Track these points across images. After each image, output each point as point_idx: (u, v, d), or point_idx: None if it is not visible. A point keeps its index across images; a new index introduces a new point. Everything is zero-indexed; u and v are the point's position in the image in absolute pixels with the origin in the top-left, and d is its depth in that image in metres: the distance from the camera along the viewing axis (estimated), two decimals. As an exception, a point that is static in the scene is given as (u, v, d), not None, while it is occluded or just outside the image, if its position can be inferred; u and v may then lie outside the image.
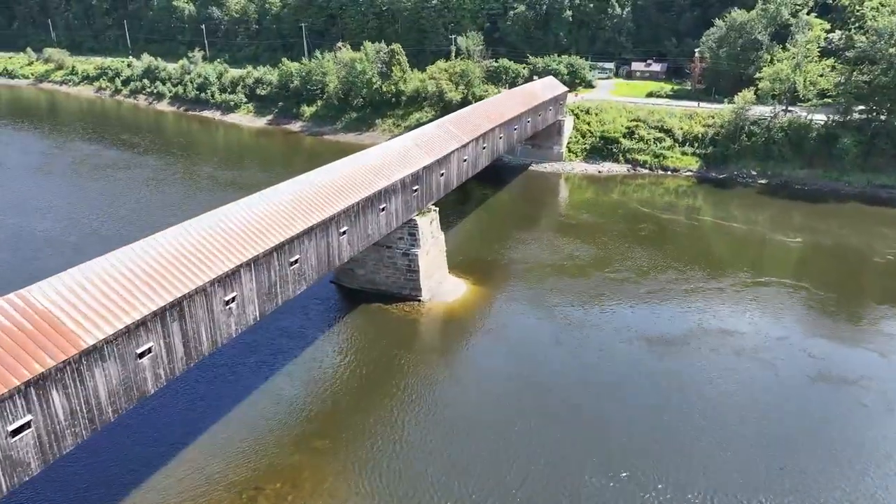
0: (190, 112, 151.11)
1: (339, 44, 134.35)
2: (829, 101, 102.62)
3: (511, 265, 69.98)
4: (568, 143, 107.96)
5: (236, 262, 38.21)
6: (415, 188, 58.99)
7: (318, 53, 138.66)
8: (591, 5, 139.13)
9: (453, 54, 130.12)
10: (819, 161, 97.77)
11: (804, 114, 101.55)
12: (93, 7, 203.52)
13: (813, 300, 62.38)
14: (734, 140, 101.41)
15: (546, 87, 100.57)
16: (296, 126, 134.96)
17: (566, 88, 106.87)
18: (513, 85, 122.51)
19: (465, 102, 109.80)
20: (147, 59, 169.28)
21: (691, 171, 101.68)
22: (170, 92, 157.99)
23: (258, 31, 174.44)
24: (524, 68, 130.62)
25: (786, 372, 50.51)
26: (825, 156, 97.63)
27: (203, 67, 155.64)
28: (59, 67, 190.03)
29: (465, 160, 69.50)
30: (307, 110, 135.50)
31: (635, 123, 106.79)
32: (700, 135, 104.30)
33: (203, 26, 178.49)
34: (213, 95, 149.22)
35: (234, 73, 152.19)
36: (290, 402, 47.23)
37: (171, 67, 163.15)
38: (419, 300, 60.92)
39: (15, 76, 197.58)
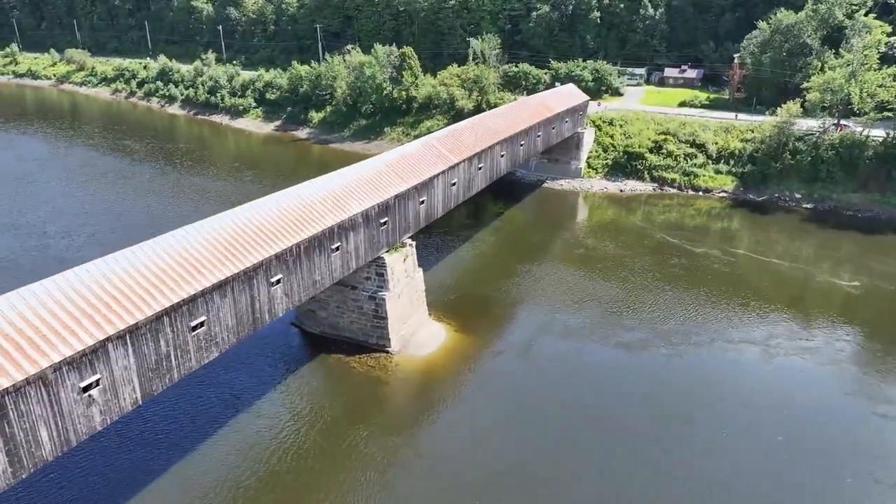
0: (199, 116, 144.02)
1: (349, 46, 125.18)
2: (890, 114, 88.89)
3: (509, 306, 59.41)
4: (588, 158, 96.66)
5: (99, 335, 28.85)
6: (383, 220, 49.02)
7: (327, 56, 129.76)
8: (622, 6, 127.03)
9: (470, 58, 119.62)
10: (875, 184, 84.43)
11: (859, 129, 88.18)
12: (116, 8, 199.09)
13: (878, 368, 50.38)
14: (776, 158, 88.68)
15: (563, 97, 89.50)
16: (303, 133, 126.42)
17: (587, 97, 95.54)
18: (532, 92, 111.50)
19: (478, 110, 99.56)
20: (162, 60, 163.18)
21: (726, 191, 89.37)
22: (182, 95, 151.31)
23: (275, 32, 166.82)
24: (546, 74, 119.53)
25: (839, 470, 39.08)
26: (883, 178, 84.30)
27: (214, 70, 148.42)
28: (80, 68, 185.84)
29: (453, 184, 59.21)
30: (315, 116, 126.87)
31: (664, 137, 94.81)
32: (737, 151, 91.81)
33: (220, 27, 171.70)
34: (222, 99, 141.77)
35: (246, 75, 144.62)
36: (203, 492, 37.73)
37: (185, 69, 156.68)
38: (387, 351, 50.95)
39: (38, 77, 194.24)
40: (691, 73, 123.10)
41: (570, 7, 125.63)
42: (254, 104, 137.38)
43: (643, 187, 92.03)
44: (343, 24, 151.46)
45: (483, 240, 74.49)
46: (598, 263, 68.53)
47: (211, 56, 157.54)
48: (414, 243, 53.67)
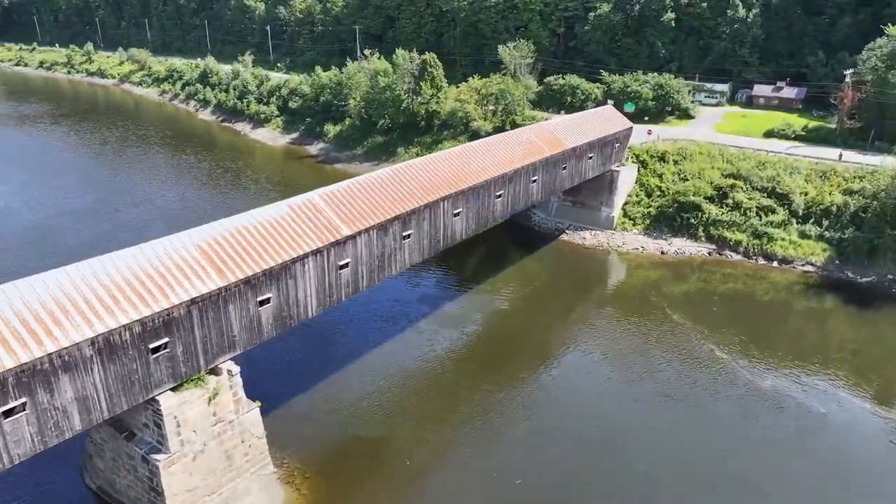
0: (225, 123, 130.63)
1: (367, 51, 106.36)
2: None
3: (438, 464, 38.27)
4: (625, 205, 72.36)
5: None
6: (157, 345, 29.60)
7: (348, 62, 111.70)
8: (704, 4, 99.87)
9: (510, 69, 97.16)
10: None
11: None
12: (182, 7, 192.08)
13: None
14: (894, 222, 60.91)
15: (592, 123, 65.88)
16: (315, 148, 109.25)
17: (628, 125, 71.10)
18: (579, 110, 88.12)
19: (500, 132, 77.81)
20: (206, 61, 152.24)
21: (813, 264, 62.42)
22: (215, 99, 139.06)
23: (322, 33, 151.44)
24: (597, 88, 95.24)
25: None
26: None
27: (245, 74, 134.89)
28: (141, 68, 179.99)
29: (343, 266, 38.51)
30: (331, 130, 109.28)
31: (731, 182, 68.76)
32: (835, 207, 64.40)
33: (268, 27, 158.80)
34: (248, 106, 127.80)
35: (277, 80, 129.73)
36: None
37: (225, 72, 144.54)
38: (169, 547, 31.48)
39: (106, 75, 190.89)
40: (789, 92, 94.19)
41: (637, 6, 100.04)
42: (276, 113, 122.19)
43: (695, 249, 66.66)
44: (384, 25, 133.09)
45: (446, 330, 53.04)
46: (623, 399, 45.31)
47: (248, 58, 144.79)
48: (238, 370, 33.67)
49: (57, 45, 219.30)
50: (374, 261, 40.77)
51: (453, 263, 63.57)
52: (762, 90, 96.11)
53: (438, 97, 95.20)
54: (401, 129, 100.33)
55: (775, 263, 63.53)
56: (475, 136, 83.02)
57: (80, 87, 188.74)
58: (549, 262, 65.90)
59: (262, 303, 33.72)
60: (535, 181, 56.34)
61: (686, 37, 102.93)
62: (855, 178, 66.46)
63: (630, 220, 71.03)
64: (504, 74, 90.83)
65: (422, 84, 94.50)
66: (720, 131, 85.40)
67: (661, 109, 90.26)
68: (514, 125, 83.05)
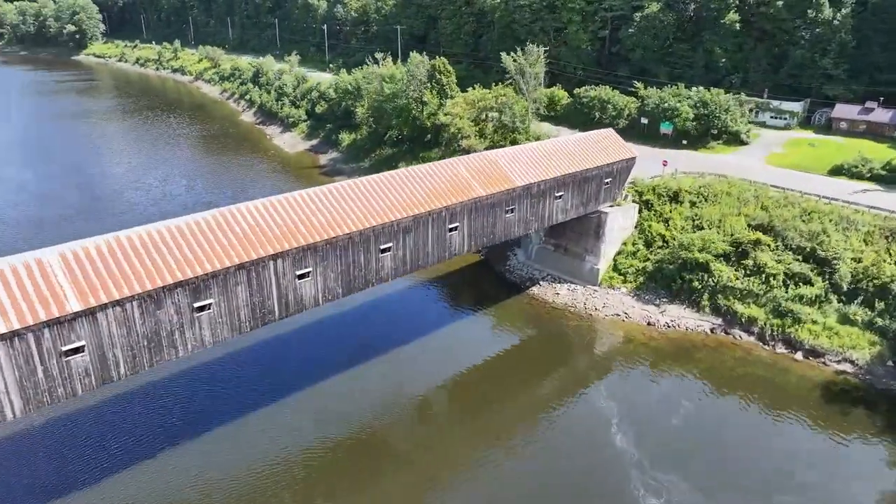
0: (260, 125, 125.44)
1: (380, 54, 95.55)
2: None
3: None
4: (617, 255, 56.88)
5: None
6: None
7: (381, 65, 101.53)
8: (779, 2, 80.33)
9: (514, 77, 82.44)
10: None
11: None
12: (258, 6, 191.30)
13: None
14: (980, 315, 41.96)
15: (564, 154, 51.24)
16: (326, 157, 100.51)
17: (627, 155, 55.52)
18: (607, 127, 72.92)
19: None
20: (262, 61, 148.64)
21: (853, 362, 44.45)
22: (259, 100, 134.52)
23: (376, 34, 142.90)
24: (632, 103, 78.99)
25: None
26: None
27: (286, 75, 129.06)
28: (214, 65, 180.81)
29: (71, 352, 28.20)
30: (346, 139, 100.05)
31: (757, 236, 51.50)
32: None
33: (325, 27, 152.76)
34: (282, 108, 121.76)
35: (313, 82, 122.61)
36: None
37: (274, 72, 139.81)
38: None
39: (186, 72, 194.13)
40: (881, 116, 72.97)
41: (693, 4, 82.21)
42: (304, 117, 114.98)
43: (694, 322, 50.30)
44: (427, 26, 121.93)
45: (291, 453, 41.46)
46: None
47: (294, 58, 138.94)
48: None
49: (153, 42, 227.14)
50: (134, 346, 30.11)
51: (375, 313, 51.83)
52: (845, 111, 75.40)
53: (444, 106, 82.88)
54: (410, 142, 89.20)
55: (799, 355, 46.12)
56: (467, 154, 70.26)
57: (166, 82, 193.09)
58: (494, 329, 51.48)
59: None
60: (454, 229, 43.23)
61: (755, 43, 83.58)
62: (936, 244, 47.51)
63: (620, 275, 55.57)
64: (507, 85, 76.86)
65: (426, 93, 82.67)
66: (773, 164, 66.99)
67: (704, 132, 72.71)
68: (515, 144, 69.54)
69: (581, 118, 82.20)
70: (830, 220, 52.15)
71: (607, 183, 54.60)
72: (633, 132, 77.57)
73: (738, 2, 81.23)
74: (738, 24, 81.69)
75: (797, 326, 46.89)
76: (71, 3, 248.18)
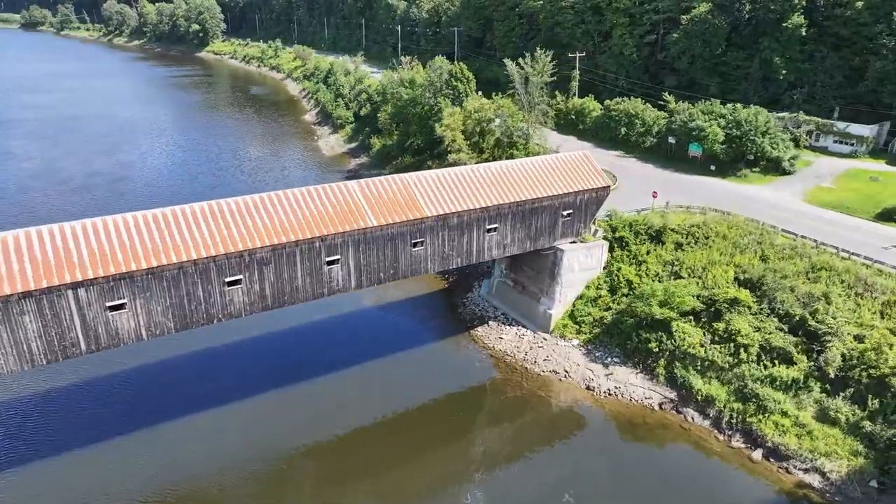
0: (316, 126, 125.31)
1: (406, 57, 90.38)
2: None
3: None
4: (579, 298, 48.29)
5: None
6: None
7: (396, 65, 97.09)
8: (859, 3, 66.25)
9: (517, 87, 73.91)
10: None
11: None
12: (350, 6, 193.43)
13: None
14: None
15: (505, 178, 43.75)
16: (356, 162, 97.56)
17: (598, 184, 46.76)
18: (635, 145, 64.06)
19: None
20: (339, 60, 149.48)
21: (825, 474, 33.67)
22: (322, 98, 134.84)
23: (444, 35, 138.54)
24: (661, 119, 68.57)
25: None
26: None
27: (341, 76, 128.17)
28: (303, 64, 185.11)
29: None
30: (377, 144, 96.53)
31: (735, 294, 41.19)
32: (901, 377, 34.52)
33: (398, 27, 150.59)
34: (335, 109, 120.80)
35: (368, 83, 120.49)
36: None
37: (341, 71, 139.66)
38: None
39: (280, 70, 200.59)
40: (975, 147, 57.75)
41: (748, 5, 69.93)
42: (351, 119, 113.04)
43: (643, 392, 41.05)
44: (484, 28, 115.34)
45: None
46: None
47: (359, 58, 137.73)
48: None
49: (261, 41, 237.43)
50: None
51: (310, 333, 47.36)
52: (929, 139, 60.66)
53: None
54: (430, 151, 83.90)
55: (758, 453, 35.91)
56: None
57: (264, 79, 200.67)
58: (413, 373, 44.33)
59: None
60: (333, 262, 37.68)
61: (827, 51, 69.67)
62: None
63: (575, 323, 47.08)
64: (509, 96, 69.10)
65: (440, 100, 76.95)
66: (812, 201, 54.72)
67: (736, 157, 61.22)
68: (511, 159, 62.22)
69: (608, 133, 72.90)
70: (843, 282, 40.83)
71: (567, 215, 46.42)
72: (660, 153, 67.47)
73: (805, 2, 67.83)
74: (804, 29, 68.35)
75: (761, 417, 36.67)
76: (198, 3, 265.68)
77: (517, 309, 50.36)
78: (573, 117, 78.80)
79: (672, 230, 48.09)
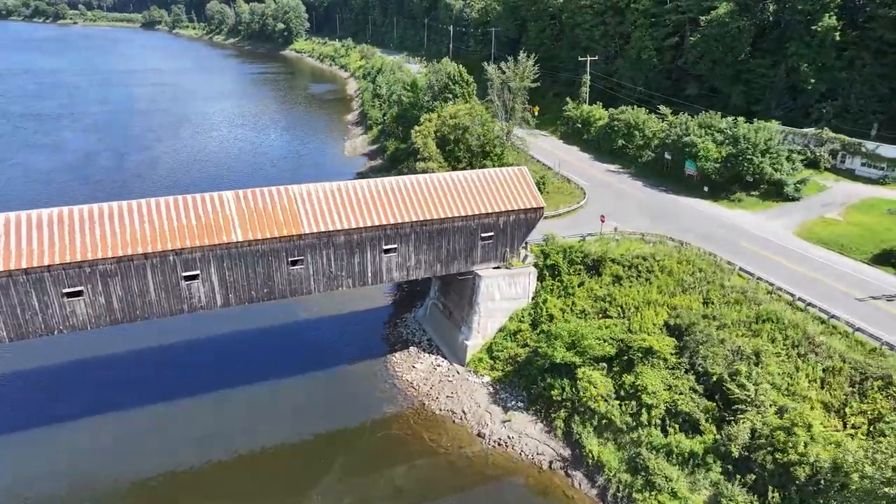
0: (352, 125, 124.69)
1: (445, 59, 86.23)
2: None
3: None
4: (501, 331, 43.23)
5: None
6: None
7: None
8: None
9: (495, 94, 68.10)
10: None
11: None
12: (416, 6, 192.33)
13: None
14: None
15: (417, 195, 39.65)
16: (369, 165, 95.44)
17: (529, 204, 41.45)
18: (633, 160, 57.94)
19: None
20: (392, 60, 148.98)
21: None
22: (364, 98, 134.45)
23: (490, 36, 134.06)
24: (661, 133, 61.31)
25: None
26: None
27: (381, 76, 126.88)
28: (366, 63, 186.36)
29: None
30: (391, 146, 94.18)
31: (650, 343, 34.93)
32: (838, 467, 27.53)
33: (451, 28, 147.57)
34: (370, 109, 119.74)
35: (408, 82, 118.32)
36: None
37: (390, 72, 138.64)
38: None
39: (347, 69, 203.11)
40: None
41: (773, 4, 61.17)
42: (380, 120, 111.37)
43: (537, 446, 35.48)
44: (519, 29, 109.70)
45: None
46: None
47: (402, 58, 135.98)
48: None
49: (337, 40, 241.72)
50: None
51: (236, 342, 45.54)
52: (975, 166, 49.98)
53: (458, 122, 72.46)
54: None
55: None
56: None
57: (334, 77, 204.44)
58: (319, 399, 40.95)
59: None
60: (192, 278, 35.22)
61: (869, 58, 59.58)
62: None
63: (491, 359, 42.11)
64: (485, 104, 63.93)
65: (436, 104, 73.22)
66: (803, 234, 46.51)
67: (731, 178, 53.38)
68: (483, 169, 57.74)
69: (608, 145, 66.51)
70: (786, 339, 33.73)
71: (487, 238, 41.65)
72: (657, 169, 60.54)
73: (841, 1, 58.33)
74: (838, 33, 58.83)
75: (648, 495, 30.67)
76: (285, 3, 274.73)
77: (442, 336, 46.12)
78: (579, 126, 72.64)
79: (612, 261, 42.09)
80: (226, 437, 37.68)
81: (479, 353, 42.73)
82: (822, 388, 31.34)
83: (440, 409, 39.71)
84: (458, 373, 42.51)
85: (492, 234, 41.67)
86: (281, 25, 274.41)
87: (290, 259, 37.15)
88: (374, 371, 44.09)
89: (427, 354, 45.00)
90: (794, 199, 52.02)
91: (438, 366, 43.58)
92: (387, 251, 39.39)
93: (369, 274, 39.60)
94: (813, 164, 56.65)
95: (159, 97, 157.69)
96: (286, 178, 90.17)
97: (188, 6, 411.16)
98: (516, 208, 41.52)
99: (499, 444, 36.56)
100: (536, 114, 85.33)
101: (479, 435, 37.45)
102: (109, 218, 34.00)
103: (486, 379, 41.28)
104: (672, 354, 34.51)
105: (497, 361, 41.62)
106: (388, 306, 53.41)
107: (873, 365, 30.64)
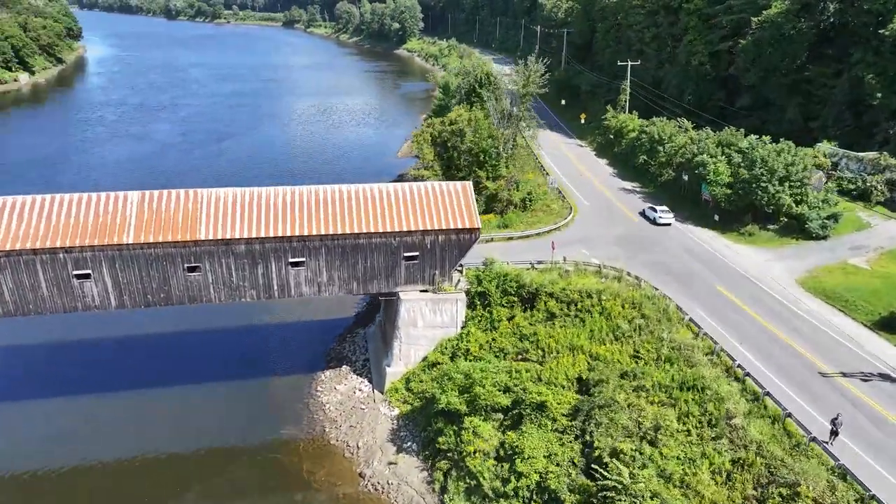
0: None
1: (526, 58, 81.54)
2: None
3: None
4: (424, 360, 39.01)
5: None
6: None
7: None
8: None
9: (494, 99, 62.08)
10: None
11: None
12: (516, 7, 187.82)
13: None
14: None
15: (334, 206, 36.50)
16: (414, 169, 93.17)
17: (460, 224, 37.05)
18: (653, 178, 51.68)
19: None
20: (472, 60, 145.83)
21: None
22: (438, 98, 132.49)
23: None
24: (683, 150, 53.41)
25: None
26: None
27: (452, 76, 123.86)
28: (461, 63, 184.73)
29: None
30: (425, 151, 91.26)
31: (545, 398, 29.43)
32: None
33: (537, 29, 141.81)
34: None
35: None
36: None
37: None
38: None
39: (445, 68, 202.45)
40: None
41: (833, 4, 51.13)
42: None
43: (416, 498, 31.58)
44: (591, 31, 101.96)
45: None
46: None
47: (498, 57, 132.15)
48: None
49: (445, 40, 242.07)
50: None
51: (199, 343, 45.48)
52: None
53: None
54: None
55: None
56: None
57: (434, 76, 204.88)
58: (209, 411, 39.09)
59: None
60: (83, 277, 34.56)
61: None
62: None
63: (407, 389, 38.16)
64: (481, 107, 58.62)
65: (462, 107, 69.36)
66: (806, 283, 38.11)
67: (745, 207, 45.03)
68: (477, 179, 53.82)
69: (633, 160, 59.53)
70: (703, 413, 27.17)
71: (411, 258, 37.75)
72: (674, 190, 53.11)
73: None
74: (911, 39, 47.92)
75: (488, 581, 25.74)
76: (402, 2, 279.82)
77: (375, 358, 42.81)
78: (612, 137, 65.86)
79: (550, 295, 36.61)
80: (98, 439, 36.88)
81: (397, 383, 39.02)
82: (728, 481, 24.67)
83: (337, 440, 36.55)
84: (373, 401, 39.07)
85: (416, 253, 37.72)
86: (396, 25, 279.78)
87: (186, 265, 35.60)
88: (298, 387, 41.69)
89: (355, 376, 41.91)
90: (819, 238, 42.95)
91: (359, 391, 40.36)
92: (294, 264, 36.77)
93: (275, 287, 37.19)
94: (863, 195, 46.65)
95: (262, 91, 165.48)
96: (314, 178, 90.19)
97: (322, 6, 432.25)
98: (445, 228, 37.27)
99: (375, 489, 32.81)
100: (583, 121, 79.08)
101: (360, 475, 33.88)
102: (10, 212, 34.24)
103: (396, 412, 37.52)
104: (565, 415, 29.02)
105: (410, 394, 37.71)
106: (352, 318, 50.83)
107: (787, 466, 23.55)
